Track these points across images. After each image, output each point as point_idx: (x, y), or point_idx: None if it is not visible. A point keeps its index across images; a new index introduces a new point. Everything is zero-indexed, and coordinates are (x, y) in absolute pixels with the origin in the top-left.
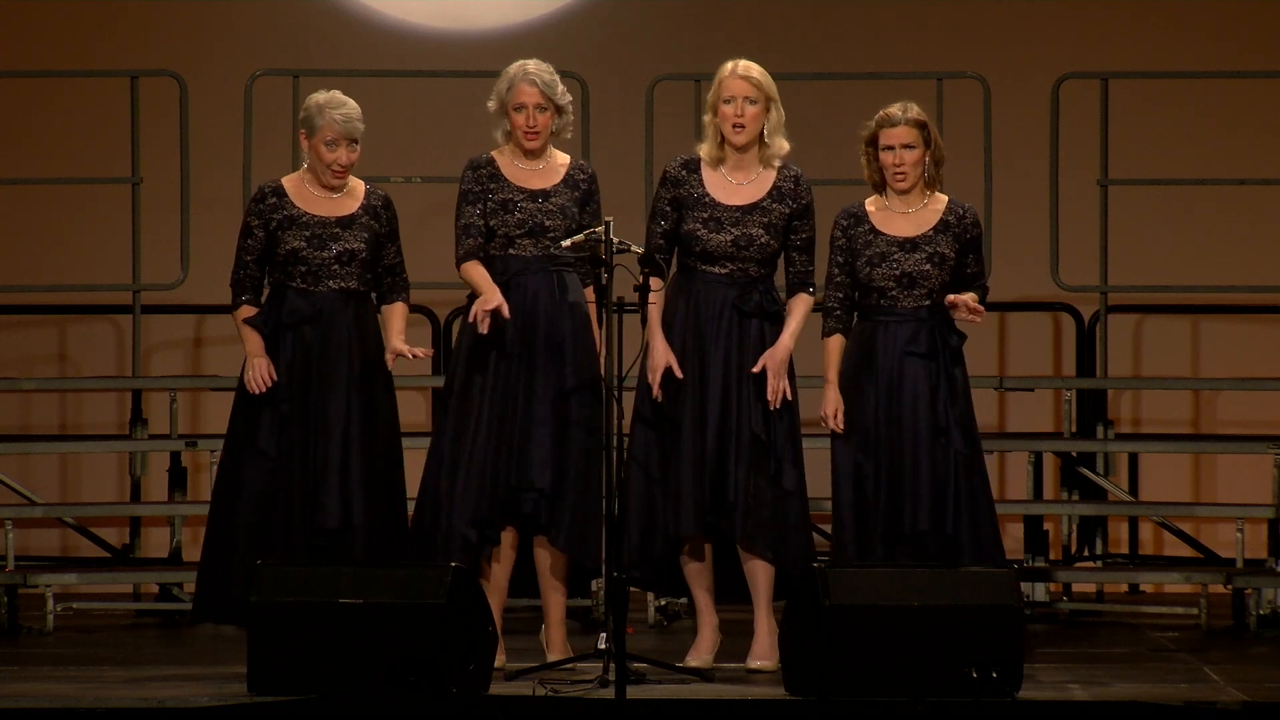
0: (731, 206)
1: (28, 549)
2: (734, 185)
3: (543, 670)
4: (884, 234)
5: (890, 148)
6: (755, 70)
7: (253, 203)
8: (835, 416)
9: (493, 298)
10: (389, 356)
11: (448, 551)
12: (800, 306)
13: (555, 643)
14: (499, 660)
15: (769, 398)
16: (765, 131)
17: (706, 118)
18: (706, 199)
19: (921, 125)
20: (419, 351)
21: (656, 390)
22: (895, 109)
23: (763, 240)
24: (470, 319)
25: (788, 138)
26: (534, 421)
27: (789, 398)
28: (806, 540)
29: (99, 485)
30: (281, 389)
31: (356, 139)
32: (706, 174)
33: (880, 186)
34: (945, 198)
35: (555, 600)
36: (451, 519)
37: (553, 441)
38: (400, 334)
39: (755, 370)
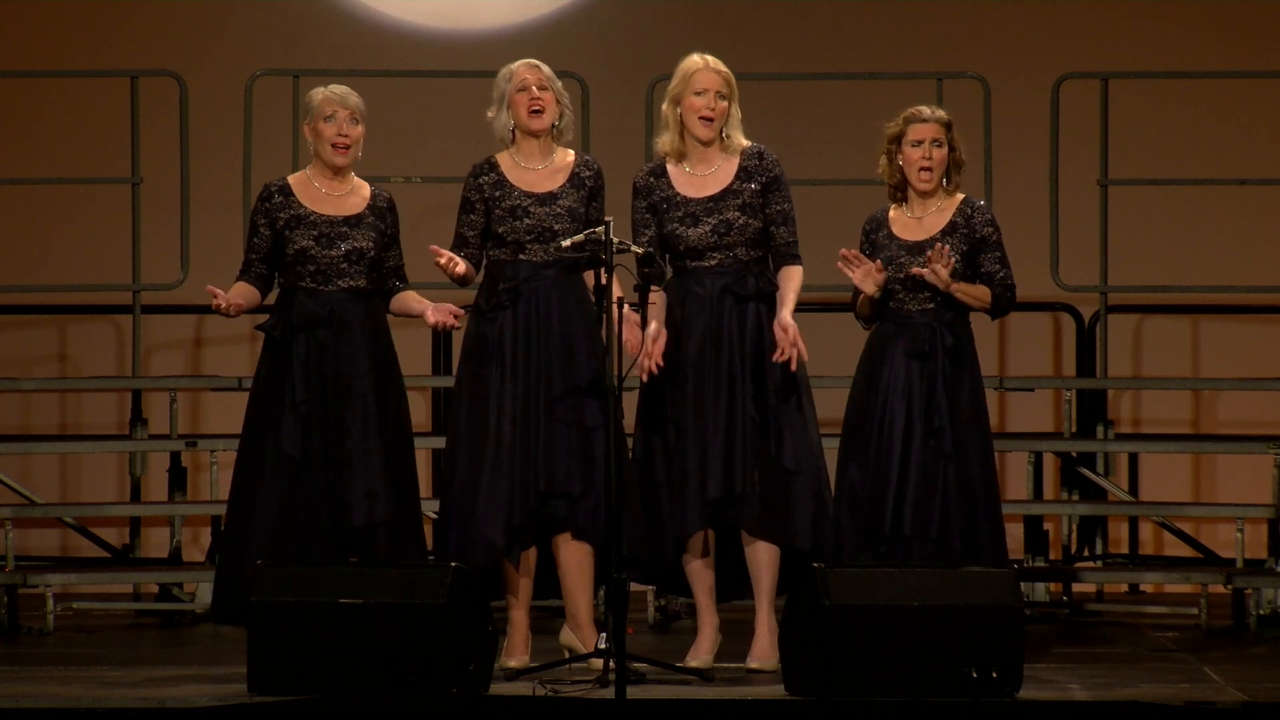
0: (703, 198)
1: (28, 549)
2: (700, 178)
3: (543, 670)
4: (897, 238)
5: (919, 142)
6: (723, 65)
7: (259, 201)
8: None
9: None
10: (430, 315)
11: (471, 556)
12: (792, 278)
13: (589, 643)
14: (520, 660)
15: (777, 356)
16: (725, 126)
17: (666, 108)
18: (677, 198)
19: (948, 125)
20: (454, 317)
21: (651, 364)
22: (924, 107)
23: (741, 222)
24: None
25: (779, 135)
26: (557, 426)
27: (803, 359)
28: (818, 516)
29: (99, 485)
30: (299, 391)
31: (355, 115)
32: (673, 173)
33: (899, 189)
34: (961, 197)
35: (584, 601)
36: (476, 524)
37: (578, 444)
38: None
39: (777, 358)
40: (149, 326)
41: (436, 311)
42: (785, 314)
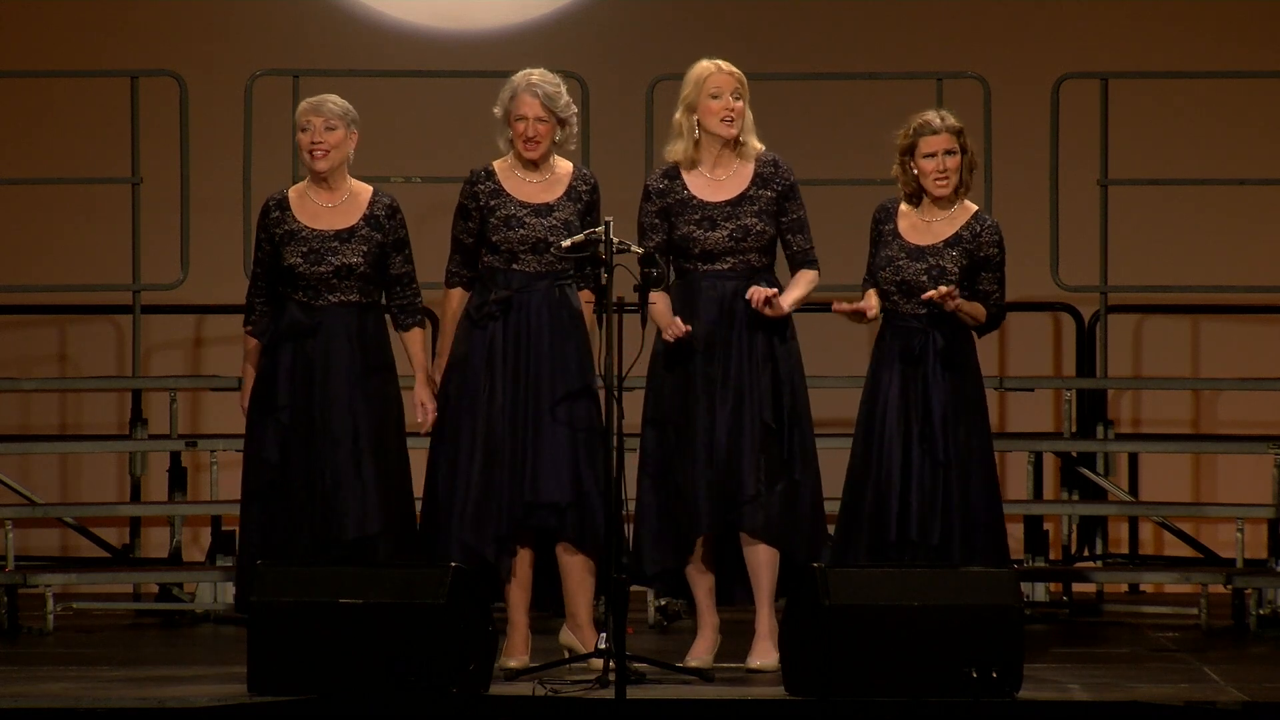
0: (720, 202)
1: (28, 549)
2: (717, 182)
3: (543, 670)
4: (901, 238)
5: (933, 154)
6: (735, 68)
7: (260, 217)
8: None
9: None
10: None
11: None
12: (803, 276)
13: (589, 644)
14: (520, 660)
15: (749, 295)
16: (742, 129)
17: (680, 117)
18: (694, 201)
19: (959, 131)
20: (428, 414)
21: (677, 332)
22: (932, 116)
23: (759, 228)
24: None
25: (774, 136)
26: (546, 435)
27: (775, 303)
28: (816, 528)
29: (99, 485)
30: (281, 398)
31: (330, 121)
32: (687, 177)
33: (915, 197)
34: (974, 209)
35: (584, 602)
36: (462, 533)
37: (566, 455)
38: (423, 369)
39: (749, 297)
40: (149, 326)
41: (421, 409)
42: (782, 297)
